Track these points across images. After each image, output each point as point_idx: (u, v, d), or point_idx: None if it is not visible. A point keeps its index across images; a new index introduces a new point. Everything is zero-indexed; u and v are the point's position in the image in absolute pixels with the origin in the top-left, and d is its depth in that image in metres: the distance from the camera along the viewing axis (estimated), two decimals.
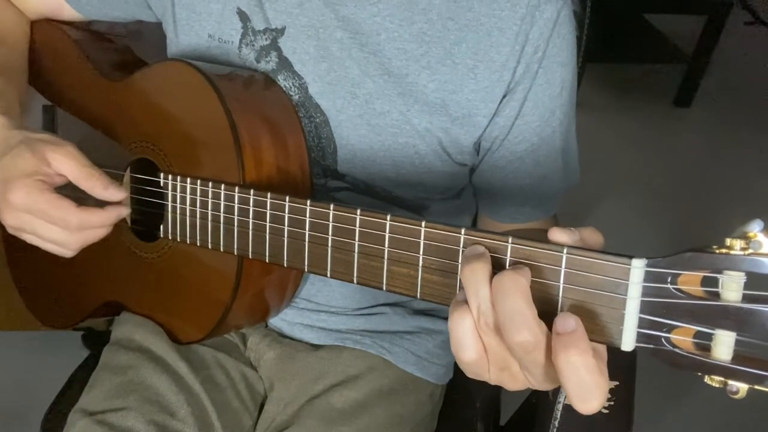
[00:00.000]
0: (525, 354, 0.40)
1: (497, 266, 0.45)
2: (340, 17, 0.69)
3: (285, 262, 0.60)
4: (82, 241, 0.66)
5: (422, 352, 0.85)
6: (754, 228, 0.37)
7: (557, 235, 0.43)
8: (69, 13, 0.84)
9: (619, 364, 0.68)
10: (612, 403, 0.67)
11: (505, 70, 0.68)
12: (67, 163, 0.64)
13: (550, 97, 0.70)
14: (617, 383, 0.67)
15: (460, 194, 0.82)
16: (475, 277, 0.42)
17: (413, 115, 0.70)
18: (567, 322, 0.40)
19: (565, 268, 0.42)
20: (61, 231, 0.64)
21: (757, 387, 0.37)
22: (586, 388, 0.39)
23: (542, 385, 0.43)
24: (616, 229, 2.06)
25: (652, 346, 0.40)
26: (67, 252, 0.67)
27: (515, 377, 0.44)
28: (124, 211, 0.68)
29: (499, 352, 0.42)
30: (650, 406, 1.58)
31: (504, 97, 0.69)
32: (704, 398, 1.58)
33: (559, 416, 0.68)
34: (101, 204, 0.67)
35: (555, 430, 0.69)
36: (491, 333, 0.42)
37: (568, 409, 0.68)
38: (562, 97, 0.71)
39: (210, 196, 0.65)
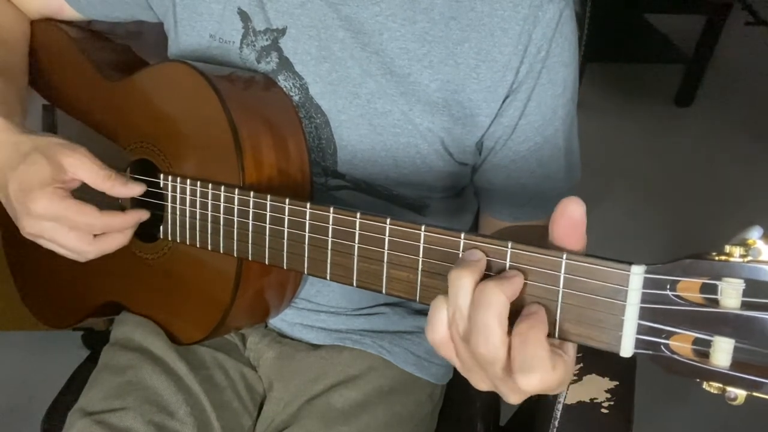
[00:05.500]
0: (485, 363, 0.43)
1: (496, 270, 0.45)
2: (342, 17, 0.69)
3: (284, 264, 0.60)
4: (101, 248, 0.67)
5: (422, 352, 0.85)
6: (753, 235, 0.37)
7: (571, 206, 0.42)
8: (69, 13, 0.84)
9: (619, 365, 0.68)
10: (612, 403, 0.67)
11: (507, 70, 0.68)
12: (83, 167, 0.65)
13: (553, 96, 0.70)
14: (617, 383, 0.68)
15: (462, 193, 0.82)
16: (459, 282, 0.43)
17: (415, 115, 0.70)
18: (530, 308, 0.43)
19: (565, 273, 0.42)
20: (82, 237, 0.65)
21: (755, 393, 0.37)
22: (527, 358, 0.40)
23: (508, 395, 0.44)
24: (616, 228, 2.07)
25: (650, 352, 0.40)
26: (82, 258, 0.68)
27: (482, 381, 0.46)
28: (144, 215, 0.69)
29: (466, 356, 0.44)
30: (650, 406, 1.58)
31: (507, 97, 0.69)
32: (704, 398, 1.56)
33: (559, 416, 0.68)
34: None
35: (555, 430, 0.69)
36: (459, 340, 0.44)
37: (568, 409, 0.68)
38: (565, 96, 0.71)
39: (210, 197, 0.65)
